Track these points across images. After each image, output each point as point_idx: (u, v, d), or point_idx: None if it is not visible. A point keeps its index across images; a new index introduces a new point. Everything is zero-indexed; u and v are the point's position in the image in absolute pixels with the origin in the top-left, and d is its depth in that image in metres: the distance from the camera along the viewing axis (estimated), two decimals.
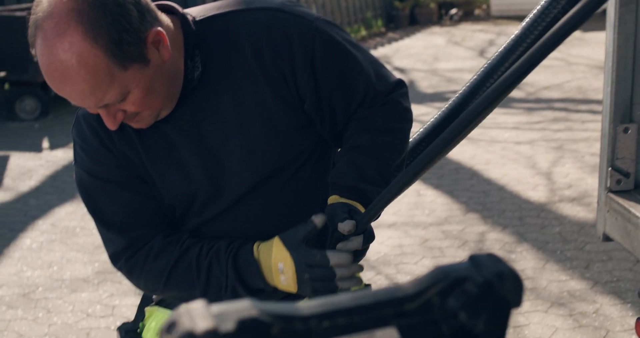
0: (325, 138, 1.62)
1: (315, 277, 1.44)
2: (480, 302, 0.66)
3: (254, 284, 1.52)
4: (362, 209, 1.50)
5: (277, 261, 1.46)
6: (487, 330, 0.67)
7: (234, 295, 1.53)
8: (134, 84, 1.37)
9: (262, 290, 1.53)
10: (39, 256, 4.70)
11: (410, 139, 1.77)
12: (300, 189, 1.61)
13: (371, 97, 1.58)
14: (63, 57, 1.31)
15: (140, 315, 1.85)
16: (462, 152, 6.03)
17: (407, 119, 1.64)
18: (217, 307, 0.56)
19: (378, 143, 1.57)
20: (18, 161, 6.77)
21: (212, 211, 1.60)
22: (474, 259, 0.68)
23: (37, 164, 6.63)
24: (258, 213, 1.59)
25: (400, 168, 1.61)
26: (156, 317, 1.78)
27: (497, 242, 4.47)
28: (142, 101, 1.40)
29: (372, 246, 4.64)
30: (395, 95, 1.62)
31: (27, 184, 6.12)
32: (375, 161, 1.56)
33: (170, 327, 0.55)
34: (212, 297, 1.54)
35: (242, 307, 0.57)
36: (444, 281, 0.65)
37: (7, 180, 6.24)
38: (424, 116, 7.38)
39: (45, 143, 7.38)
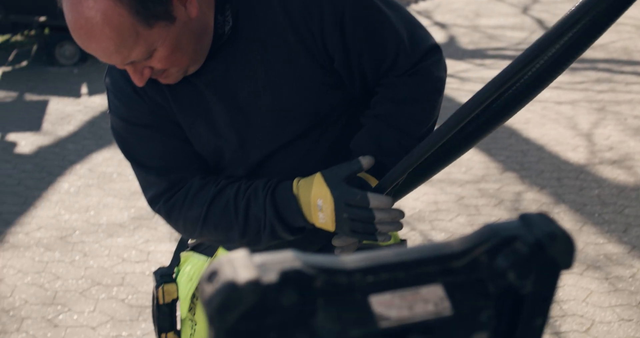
0: (357, 96, 1.57)
1: (354, 217, 1.41)
2: (530, 262, 0.64)
3: (292, 221, 1.49)
4: (374, 183, 1.47)
5: (317, 197, 1.43)
6: (535, 291, 0.65)
7: (273, 234, 1.50)
8: (159, 42, 1.35)
9: (302, 228, 1.51)
10: (76, 200, 4.76)
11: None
12: (331, 149, 1.57)
13: (403, 61, 1.52)
14: (88, 14, 1.29)
15: (175, 260, 1.86)
16: None
17: (436, 90, 1.56)
18: (260, 258, 0.54)
19: (402, 114, 1.52)
20: (57, 106, 6.82)
21: (241, 169, 1.59)
22: (525, 218, 0.65)
23: (75, 110, 6.68)
24: (287, 173, 1.55)
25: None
26: (191, 262, 1.79)
27: (534, 202, 4.42)
28: (169, 58, 1.38)
29: (407, 202, 4.63)
30: (428, 63, 1.54)
31: (65, 129, 6.18)
32: (396, 133, 1.51)
33: (211, 275, 0.53)
34: (251, 237, 1.52)
35: (285, 258, 0.55)
36: (493, 240, 0.63)
37: (46, 124, 6.30)
38: (464, 73, 7.28)
39: (84, 89, 7.42)
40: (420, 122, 1.54)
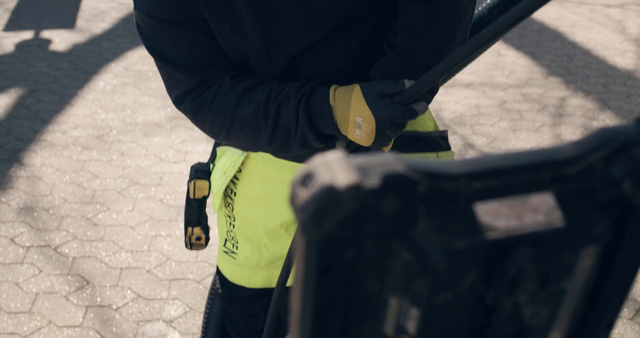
0: (384, 1, 1.47)
1: (399, 132, 1.39)
2: None
3: (325, 130, 1.45)
4: None
5: (356, 115, 1.39)
6: None
7: (304, 142, 1.47)
8: None
9: (333, 136, 1.47)
10: (112, 99, 4.72)
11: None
12: (359, 54, 1.49)
13: None
14: None
15: (213, 155, 1.84)
16: (547, 12, 5.73)
17: (455, 21, 1.44)
18: (359, 160, 0.48)
19: (418, 47, 1.43)
20: (91, 2, 6.71)
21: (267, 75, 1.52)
22: None
23: (109, 7, 6.57)
24: (315, 79, 1.48)
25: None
26: (226, 156, 1.76)
27: (579, 108, 4.30)
28: None
29: (449, 106, 4.54)
30: None
31: (99, 26, 6.09)
32: (413, 66, 1.43)
33: (305, 179, 0.47)
34: (278, 144, 1.49)
35: (386, 161, 0.49)
36: (610, 145, 0.56)
37: (80, 21, 6.21)
38: None
39: None
40: (438, 54, 1.44)
